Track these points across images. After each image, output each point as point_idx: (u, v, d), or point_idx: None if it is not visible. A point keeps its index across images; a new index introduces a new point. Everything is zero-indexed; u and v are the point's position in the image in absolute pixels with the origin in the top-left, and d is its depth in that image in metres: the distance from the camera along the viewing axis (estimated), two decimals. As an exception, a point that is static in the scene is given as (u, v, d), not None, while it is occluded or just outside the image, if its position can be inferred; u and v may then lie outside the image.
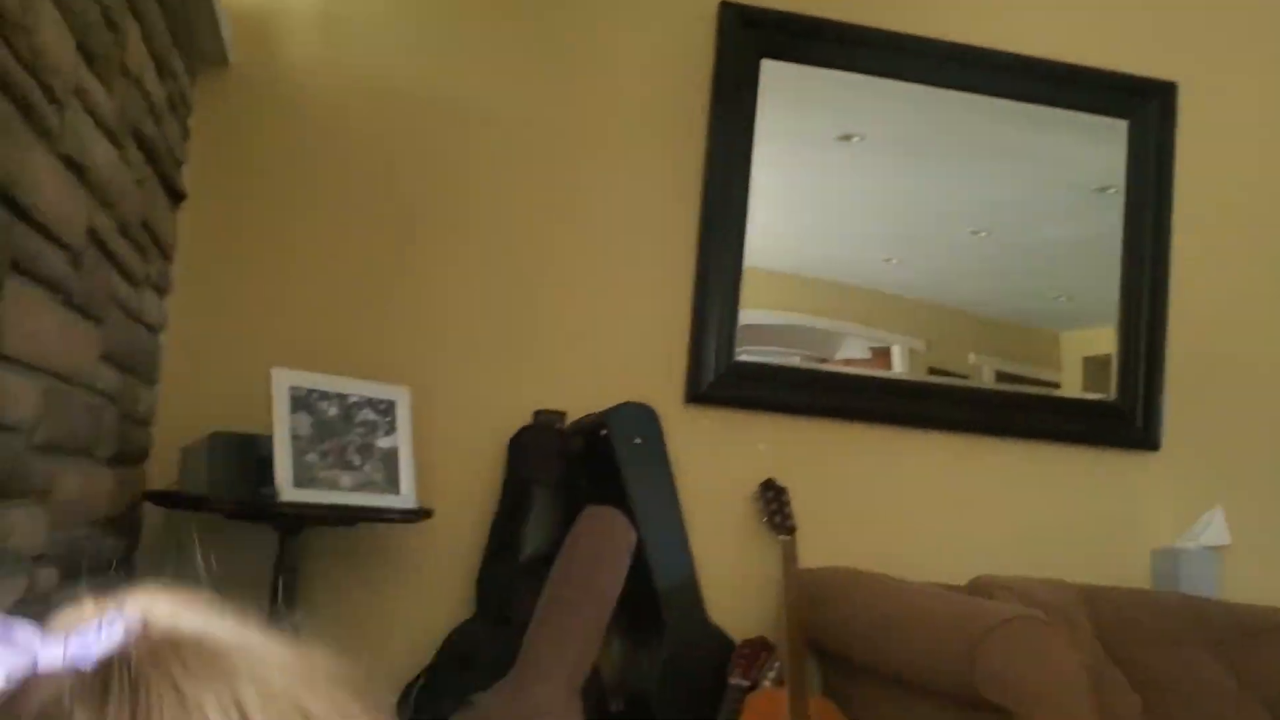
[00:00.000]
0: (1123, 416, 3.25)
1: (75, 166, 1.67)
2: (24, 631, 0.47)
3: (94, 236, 1.84)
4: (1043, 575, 2.84)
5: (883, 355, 3.22)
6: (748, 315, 3.03)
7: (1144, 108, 3.33)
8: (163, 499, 2.44)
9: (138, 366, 2.35)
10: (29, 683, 0.46)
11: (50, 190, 1.55)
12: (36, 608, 1.73)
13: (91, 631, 0.48)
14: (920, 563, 2.88)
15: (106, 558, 2.27)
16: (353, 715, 0.51)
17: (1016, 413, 3.19)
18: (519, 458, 2.84)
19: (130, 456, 2.40)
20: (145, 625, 0.49)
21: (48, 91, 1.49)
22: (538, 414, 2.88)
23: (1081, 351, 3.34)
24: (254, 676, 0.47)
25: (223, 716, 0.45)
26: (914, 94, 3.21)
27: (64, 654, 0.47)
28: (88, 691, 0.46)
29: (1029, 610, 2.29)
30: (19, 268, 1.46)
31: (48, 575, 1.76)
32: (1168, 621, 2.84)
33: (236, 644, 0.49)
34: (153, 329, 2.49)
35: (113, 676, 0.46)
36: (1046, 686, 2.12)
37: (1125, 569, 3.17)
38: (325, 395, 2.40)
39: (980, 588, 2.71)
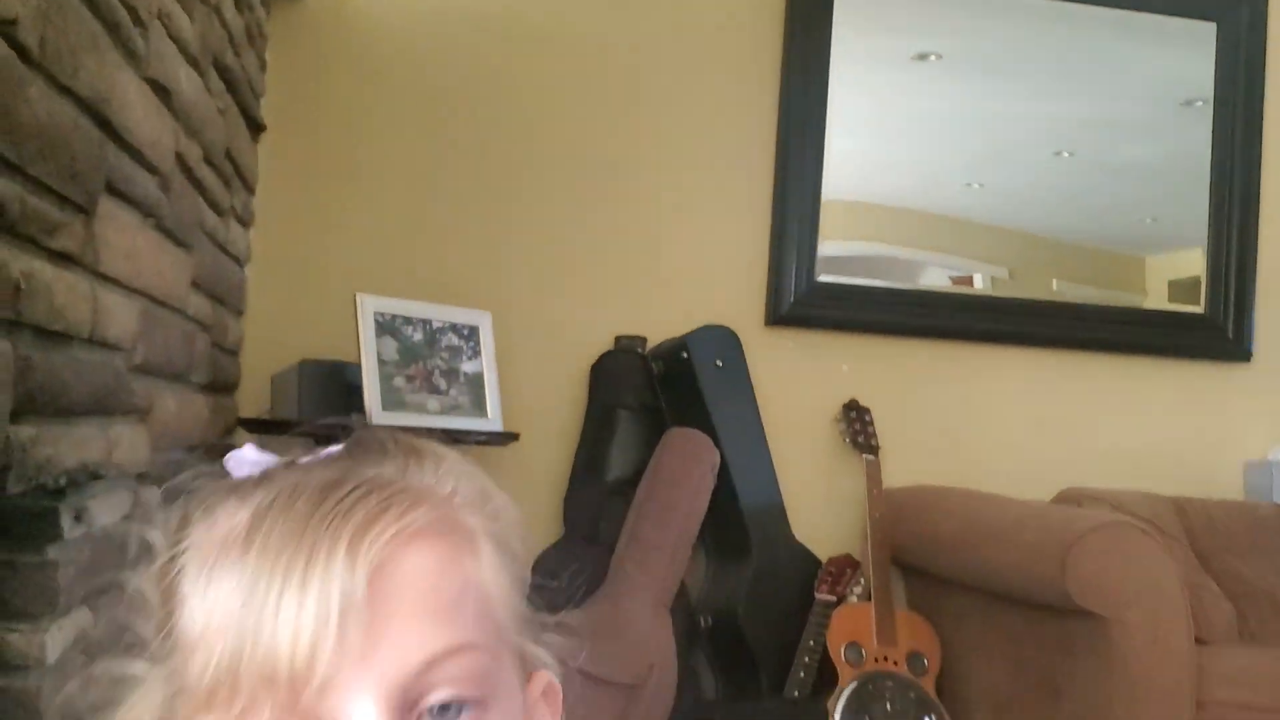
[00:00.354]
0: (1213, 328, 3.18)
1: (162, 90, 1.70)
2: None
3: (181, 162, 1.86)
4: (1132, 489, 2.80)
5: (965, 284, 3.18)
6: (826, 247, 3.00)
7: (1234, 10, 3.22)
8: (256, 426, 2.49)
9: (226, 297, 2.39)
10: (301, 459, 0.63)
11: (139, 112, 1.57)
12: (141, 524, 1.79)
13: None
14: (1005, 480, 2.85)
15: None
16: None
17: (1103, 327, 3.14)
18: (602, 382, 2.86)
19: (222, 385, 2.45)
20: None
21: (132, 13, 1.51)
22: (619, 339, 2.89)
23: (1167, 276, 3.27)
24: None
25: (471, 470, 0.63)
26: (992, 6, 3.13)
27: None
28: (357, 448, 0.63)
29: (1122, 516, 2.27)
30: (112, 189, 1.49)
31: (150, 494, 1.81)
32: (1261, 532, 2.79)
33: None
34: (238, 261, 2.54)
35: (357, 440, 0.64)
36: (1139, 591, 2.10)
37: (1217, 482, 3.11)
38: (409, 320, 2.43)
39: (1069, 499, 2.68)
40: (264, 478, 0.60)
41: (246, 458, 0.63)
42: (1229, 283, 3.18)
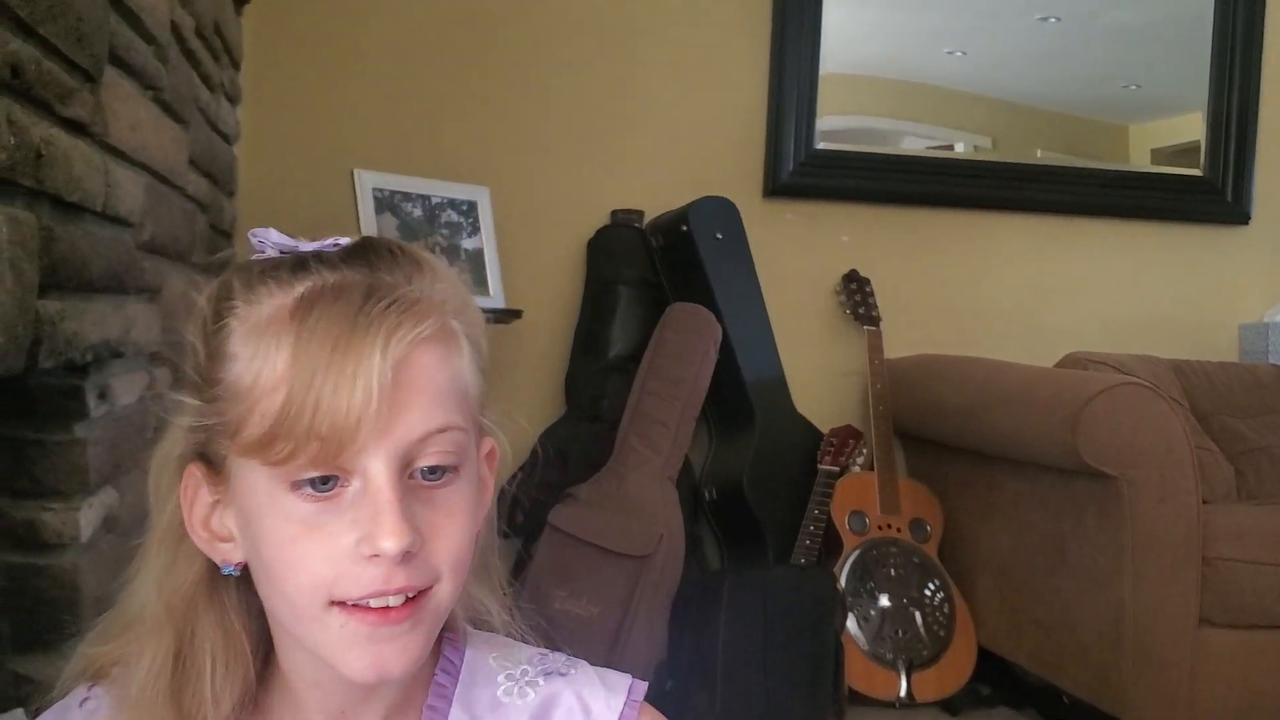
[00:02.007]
0: (1212, 191, 3.17)
1: (154, -47, 1.62)
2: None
3: (176, 33, 1.79)
4: (1132, 353, 2.82)
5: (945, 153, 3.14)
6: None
7: None
8: (255, 308, 2.45)
9: (219, 176, 2.33)
10: (307, 250, 0.75)
11: (135, -25, 1.50)
12: (156, 404, 1.76)
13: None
14: (1006, 348, 2.86)
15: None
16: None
17: (1103, 191, 3.12)
18: (600, 258, 2.83)
19: (220, 269, 2.40)
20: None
21: None
22: (616, 213, 2.85)
23: (1149, 144, 3.24)
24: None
25: (455, 279, 0.77)
26: None
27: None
28: (357, 251, 0.75)
29: (1132, 377, 2.28)
30: (115, 57, 1.43)
31: (163, 375, 1.79)
32: (1260, 392, 2.82)
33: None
34: (228, 138, 2.47)
35: (369, 246, 0.75)
36: (1149, 450, 2.12)
37: (1213, 345, 3.14)
38: (408, 196, 2.38)
39: (1072, 364, 2.69)
40: (299, 268, 0.73)
41: (270, 237, 0.77)
42: (1228, 145, 3.16)
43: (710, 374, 2.64)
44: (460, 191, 2.47)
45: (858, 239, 3.00)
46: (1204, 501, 2.19)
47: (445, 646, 0.82)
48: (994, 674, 2.61)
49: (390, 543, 0.67)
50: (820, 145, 2.94)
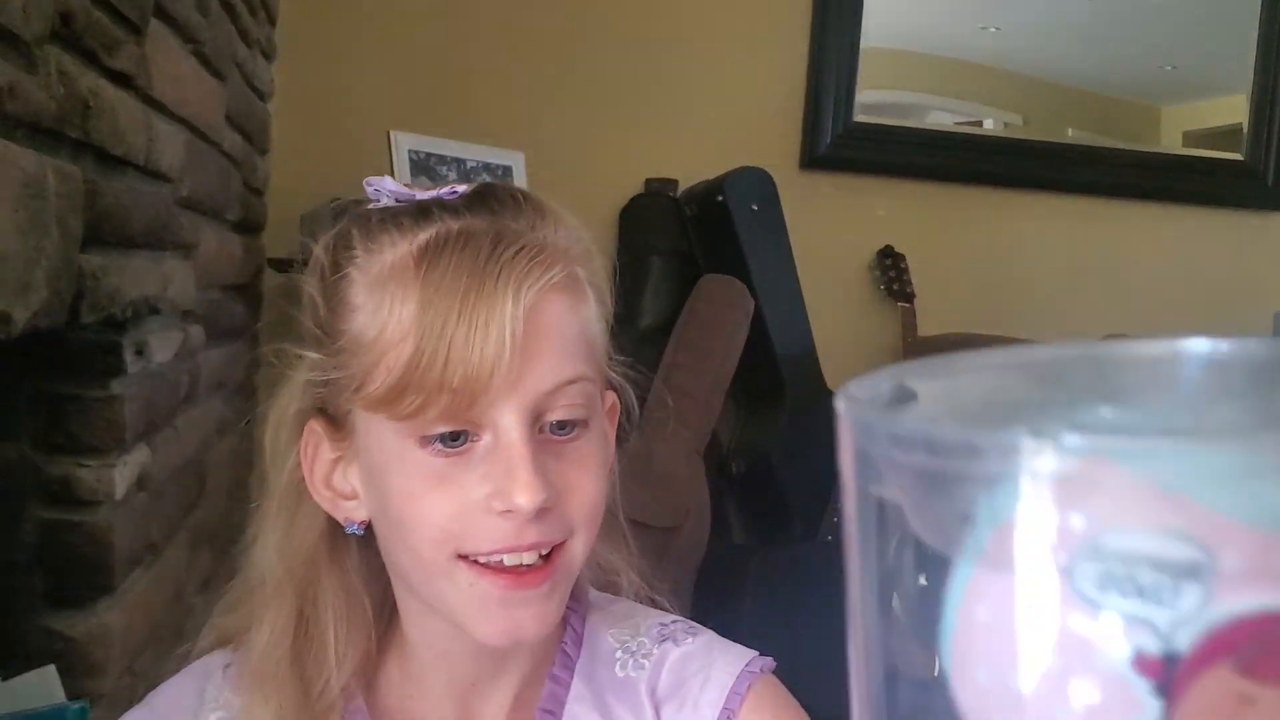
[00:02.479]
0: (1253, 175, 3.12)
1: (197, -97, 1.60)
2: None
3: (216, -15, 1.77)
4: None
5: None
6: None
7: None
8: (286, 265, 2.44)
9: (253, 133, 2.31)
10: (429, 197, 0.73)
11: (179, -75, 1.48)
12: (187, 363, 1.75)
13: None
14: (1039, 328, 2.83)
15: (238, 323, 2.30)
16: None
17: (1143, 173, 3.07)
18: (633, 227, 2.80)
19: (251, 225, 2.39)
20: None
21: None
22: (649, 182, 2.82)
23: (1183, 126, 3.18)
24: None
25: (578, 227, 0.75)
26: None
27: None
28: (479, 197, 0.73)
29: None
30: (158, 9, 1.41)
31: (196, 333, 1.78)
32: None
33: None
34: (263, 95, 2.44)
35: (490, 193, 0.74)
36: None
37: (1248, 331, 3.10)
38: (443, 159, 2.36)
39: (1109, 348, 2.66)
40: (422, 215, 0.71)
41: (386, 185, 0.75)
42: (1273, 128, 3.10)
43: (741, 347, 2.62)
44: (495, 156, 2.45)
45: (894, 214, 2.96)
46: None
47: (569, 615, 0.80)
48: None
49: (524, 498, 0.65)
50: (858, 118, 2.90)
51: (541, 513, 0.66)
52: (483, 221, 0.70)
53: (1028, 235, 3.06)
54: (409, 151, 2.29)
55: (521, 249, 0.68)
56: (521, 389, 0.66)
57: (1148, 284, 3.11)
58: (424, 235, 0.69)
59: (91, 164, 1.14)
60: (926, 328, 2.86)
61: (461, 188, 0.74)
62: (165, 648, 1.68)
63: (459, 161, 2.37)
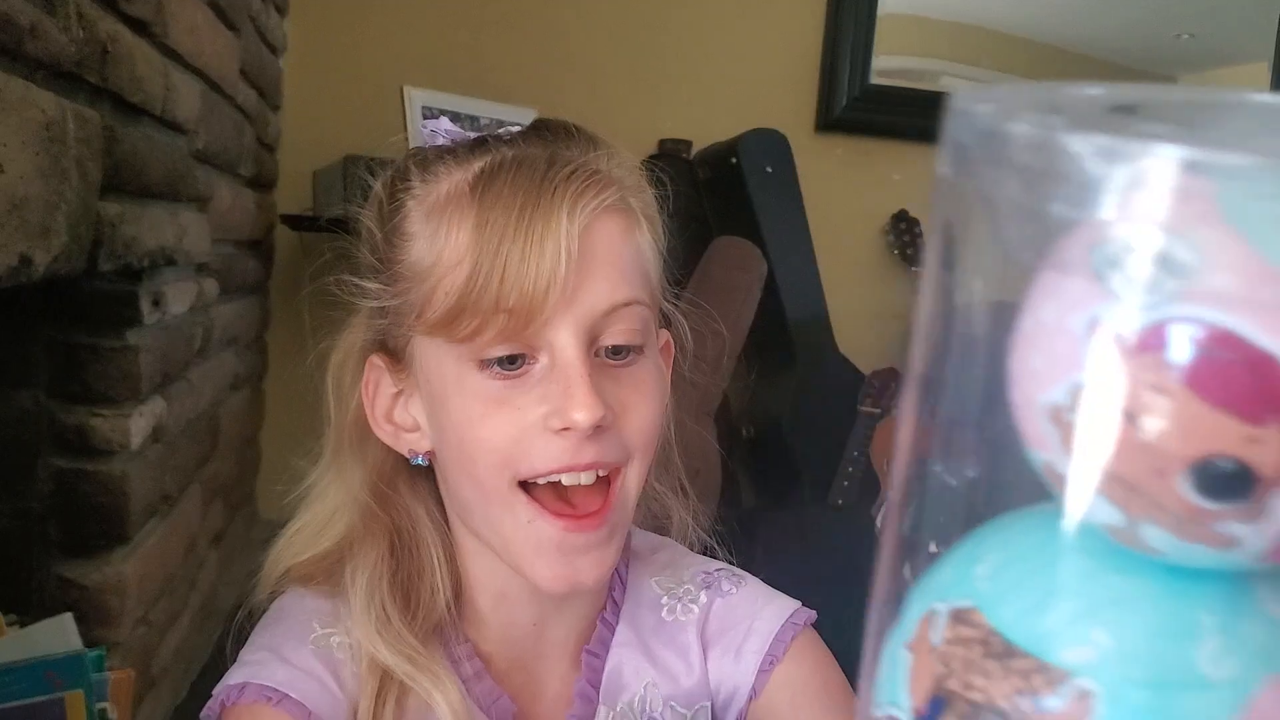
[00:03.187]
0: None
1: None
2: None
3: (231, -66, 1.76)
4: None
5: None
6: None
7: None
8: (298, 222, 2.43)
9: (266, 88, 2.30)
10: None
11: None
12: (201, 316, 1.75)
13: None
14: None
15: (251, 279, 2.29)
16: None
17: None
18: (664, 191, 2.78)
19: (264, 181, 2.38)
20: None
21: None
22: (663, 143, 2.80)
23: (1201, 96, 3.15)
24: None
25: (631, 161, 0.77)
26: None
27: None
28: (533, 129, 0.75)
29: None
30: (173, -45, 1.40)
31: (210, 286, 1.77)
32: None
33: None
34: (275, 50, 2.43)
35: (544, 125, 0.76)
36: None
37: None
38: (457, 116, 2.32)
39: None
40: (477, 146, 0.72)
41: (443, 126, 0.76)
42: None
43: (754, 311, 2.61)
44: (508, 113, 2.43)
45: (909, 178, 2.94)
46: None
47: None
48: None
49: (582, 414, 0.65)
50: (874, 81, 2.87)
51: (598, 431, 0.66)
52: (537, 148, 0.71)
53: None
54: (422, 108, 2.28)
55: (576, 170, 0.68)
56: (577, 308, 0.66)
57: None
58: (479, 163, 0.70)
59: (109, 110, 1.13)
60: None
61: (515, 128, 0.75)
62: (179, 599, 1.69)
63: (473, 118, 2.35)
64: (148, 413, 1.39)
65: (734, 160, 2.68)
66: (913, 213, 2.88)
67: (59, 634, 1.21)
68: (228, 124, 1.84)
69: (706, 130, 2.78)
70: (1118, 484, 0.27)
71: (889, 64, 2.94)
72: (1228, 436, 0.25)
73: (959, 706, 0.28)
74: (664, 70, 2.82)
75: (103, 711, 1.19)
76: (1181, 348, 0.25)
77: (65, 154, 0.93)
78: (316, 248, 2.54)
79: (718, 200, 2.75)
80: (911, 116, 2.90)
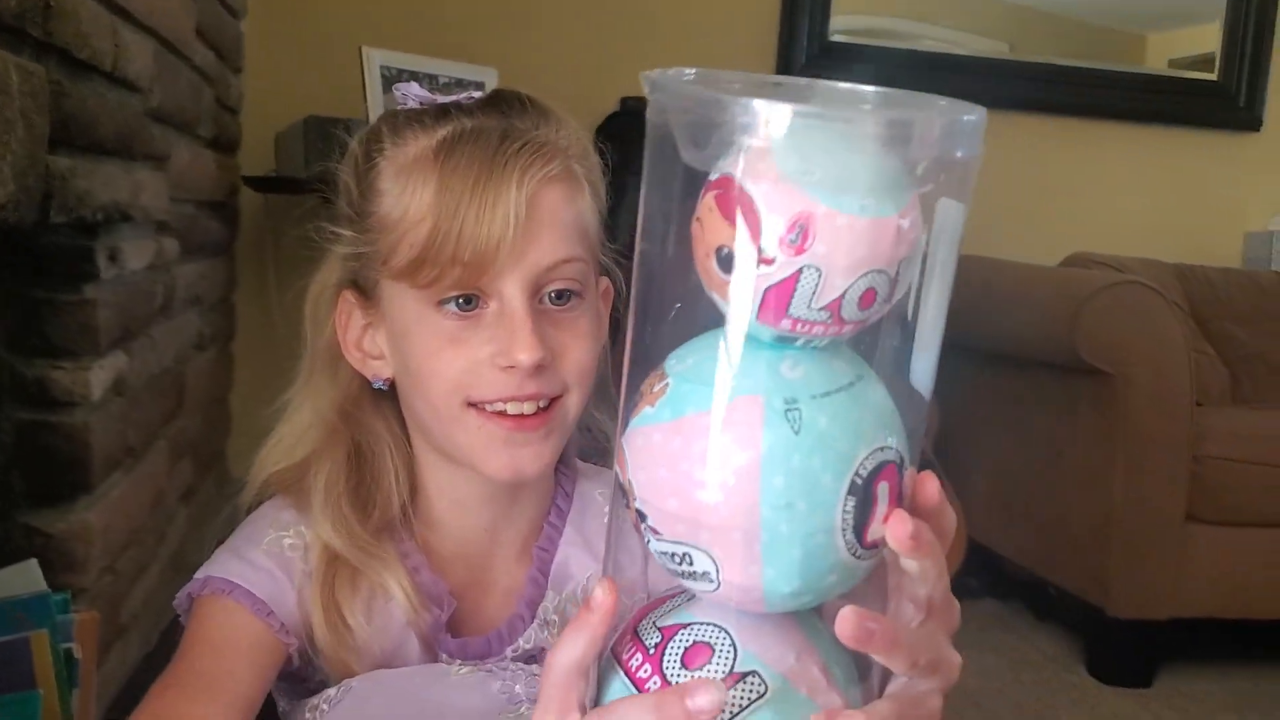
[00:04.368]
0: (1225, 96, 3.14)
1: None
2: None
3: (183, -106, 1.77)
4: (1136, 256, 2.82)
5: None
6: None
7: None
8: (261, 184, 2.45)
9: (225, 50, 2.31)
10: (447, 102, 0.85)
11: None
12: (162, 275, 1.78)
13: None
14: (1012, 248, 2.85)
15: (214, 240, 2.32)
16: None
17: (1115, 94, 3.09)
18: (608, 148, 2.81)
19: (225, 144, 2.40)
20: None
21: None
22: (625, 101, 2.82)
23: (1167, 54, 3.19)
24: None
25: (578, 129, 0.86)
26: None
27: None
28: (491, 101, 0.84)
29: (1132, 276, 2.28)
30: (122, -87, 1.41)
31: (170, 245, 1.80)
32: (1260, 299, 2.83)
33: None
34: (234, 12, 2.44)
35: (501, 97, 0.85)
36: (1146, 349, 2.14)
37: (1218, 251, 3.14)
38: (415, 75, 2.36)
39: (1075, 264, 2.70)
40: (441, 115, 0.82)
41: (412, 90, 0.85)
42: (1244, 48, 3.12)
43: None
44: (468, 72, 2.45)
45: (867, 134, 2.98)
46: (1198, 404, 2.21)
47: (562, 480, 0.94)
48: (983, 567, 2.66)
49: (525, 355, 0.77)
50: (834, 38, 2.90)
51: (538, 369, 0.78)
52: (493, 120, 0.81)
53: (1000, 156, 3.05)
54: (381, 68, 2.30)
55: (526, 144, 0.78)
56: (524, 263, 0.77)
57: (1121, 204, 3.14)
58: (443, 131, 0.80)
59: (56, 66, 1.16)
60: (899, 247, 2.88)
61: (478, 93, 0.85)
62: (147, 550, 1.73)
63: (432, 78, 2.37)
64: (108, 366, 1.42)
65: (694, 117, 2.70)
66: (872, 167, 2.92)
67: (25, 579, 1.24)
68: (184, 84, 1.86)
69: (667, 88, 2.80)
70: (702, 268, 0.47)
71: (848, 22, 2.97)
72: (725, 234, 0.44)
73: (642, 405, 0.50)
74: (624, 29, 2.85)
75: (68, 651, 1.22)
76: (719, 186, 0.45)
77: (9, 105, 0.96)
78: (281, 210, 2.57)
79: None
80: (871, 74, 2.92)
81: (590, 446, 0.96)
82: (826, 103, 0.49)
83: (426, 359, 0.80)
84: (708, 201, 0.46)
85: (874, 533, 0.47)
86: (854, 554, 0.47)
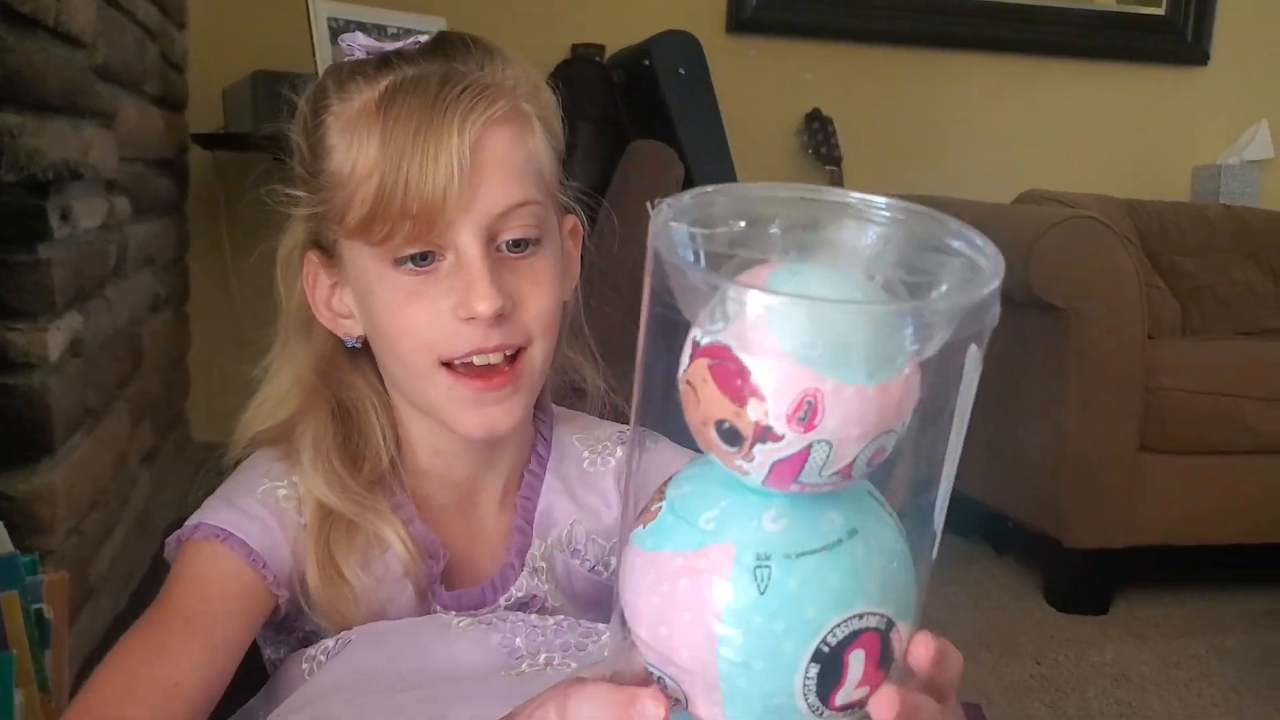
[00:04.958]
0: (1172, 31, 3.17)
1: None
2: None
3: None
4: (1087, 193, 2.85)
5: None
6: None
7: None
8: (210, 141, 2.42)
9: (168, 5, 2.27)
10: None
11: None
12: (115, 234, 1.76)
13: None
14: (966, 186, 2.88)
15: (165, 198, 2.29)
16: None
17: (1063, 30, 3.11)
18: (560, 94, 2.79)
19: (173, 101, 2.37)
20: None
21: None
22: (576, 48, 2.81)
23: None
24: None
25: (526, 65, 0.83)
26: None
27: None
28: (434, 45, 0.81)
29: (1084, 211, 2.31)
30: None
31: (121, 204, 1.78)
32: (1208, 232, 2.87)
33: None
34: (177, -33, 2.40)
35: (444, 40, 0.82)
36: (1098, 284, 2.17)
37: (1168, 186, 3.18)
38: (363, 26, 2.33)
39: (1029, 200, 2.72)
40: (383, 65, 0.80)
41: (358, 40, 0.82)
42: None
43: (671, 213, 2.65)
44: (416, 22, 2.42)
45: (821, 77, 2.98)
46: (1150, 337, 2.25)
47: (540, 426, 0.93)
48: (943, 503, 2.70)
49: (483, 305, 0.76)
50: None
51: (500, 318, 0.77)
52: (435, 66, 0.79)
53: (954, 95, 3.09)
54: (328, 19, 2.27)
55: (467, 88, 0.76)
56: (475, 212, 0.76)
57: (1072, 141, 3.17)
58: (384, 82, 0.78)
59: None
60: (854, 190, 2.90)
61: (424, 37, 0.82)
62: (112, 513, 1.72)
63: (379, 27, 2.34)
64: (64, 327, 1.41)
65: (647, 63, 2.69)
66: (826, 111, 2.93)
67: (-10, 542, 1.24)
68: (128, 40, 1.83)
69: (619, 34, 2.80)
70: (697, 433, 0.46)
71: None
72: (726, 409, 0.43)
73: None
74: (573, -26, 2.82)
75: (39, 612, 1.22)
76: (713, 355, 0.43)
77: (-46, 61, 0.95)
78: (232, 168, 2.54)
79: (633, 104, 2.77)
80: (822, 15, 2.94)
81: (564, 386, 0.95)
82: (845, 245, 0.47)
83: (390, 316, 0.79)
84: (700, 370, 0.44)
85: (843, 698, 0.46)
86: (819, 716, 0.46)
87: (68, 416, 1.44)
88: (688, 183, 2.66)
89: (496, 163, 0.76)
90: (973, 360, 0.46)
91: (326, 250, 0.83)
